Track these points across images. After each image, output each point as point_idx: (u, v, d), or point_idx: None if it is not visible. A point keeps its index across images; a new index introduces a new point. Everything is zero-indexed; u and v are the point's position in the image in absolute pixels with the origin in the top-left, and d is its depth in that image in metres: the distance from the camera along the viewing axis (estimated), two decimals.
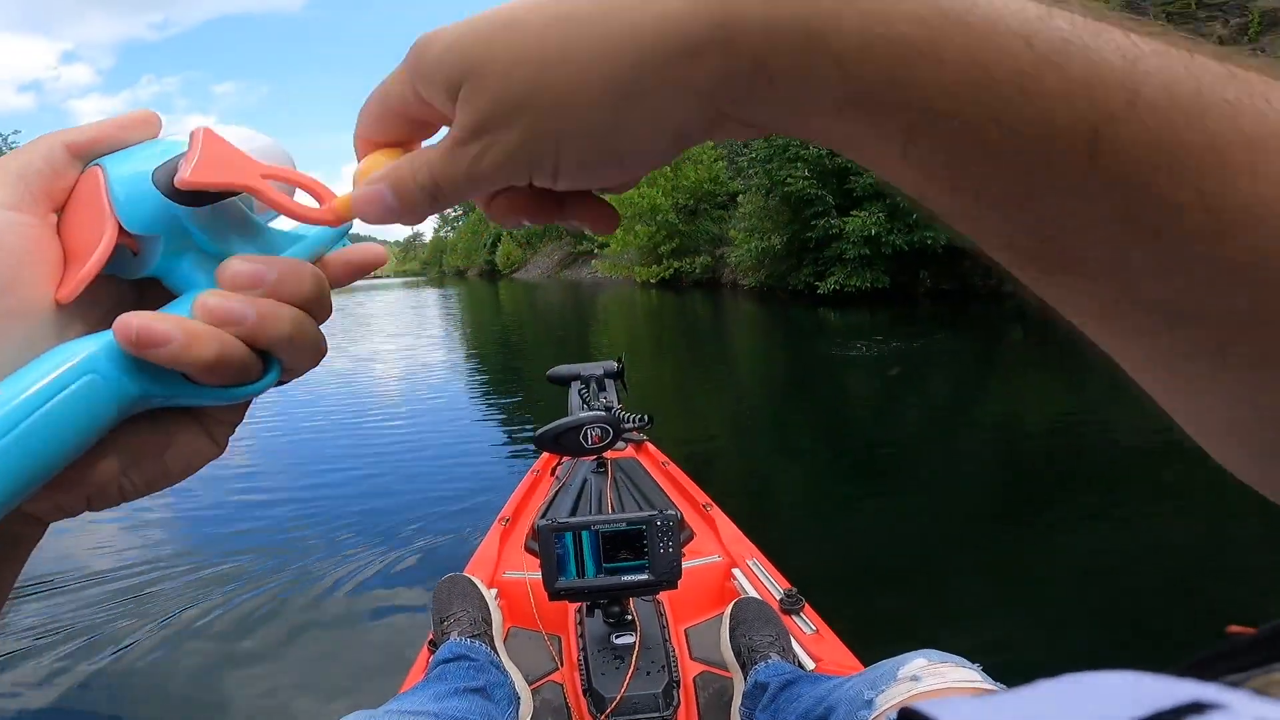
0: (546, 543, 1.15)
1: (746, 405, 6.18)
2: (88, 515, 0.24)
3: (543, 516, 1.54)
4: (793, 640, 1.34)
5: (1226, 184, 0.16)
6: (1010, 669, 0.65)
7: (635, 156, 0.21)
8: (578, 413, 1.33)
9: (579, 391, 1.67)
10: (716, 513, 1.95)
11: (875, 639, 1.39)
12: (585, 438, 1.25)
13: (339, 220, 0.25)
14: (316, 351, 0.26)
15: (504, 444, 4.98)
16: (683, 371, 8.04)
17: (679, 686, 1.23)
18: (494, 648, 1.31)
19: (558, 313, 18.04)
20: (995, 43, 0.17)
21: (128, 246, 0.24)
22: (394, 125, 0.25)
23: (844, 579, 2.62)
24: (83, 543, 3.19)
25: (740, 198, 18.05)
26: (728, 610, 1.39)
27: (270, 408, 5.83)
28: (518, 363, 9.33)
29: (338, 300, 0.28)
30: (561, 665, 1.42)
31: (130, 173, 0.24)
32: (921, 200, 0.20)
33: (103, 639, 2.40)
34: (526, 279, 37.56)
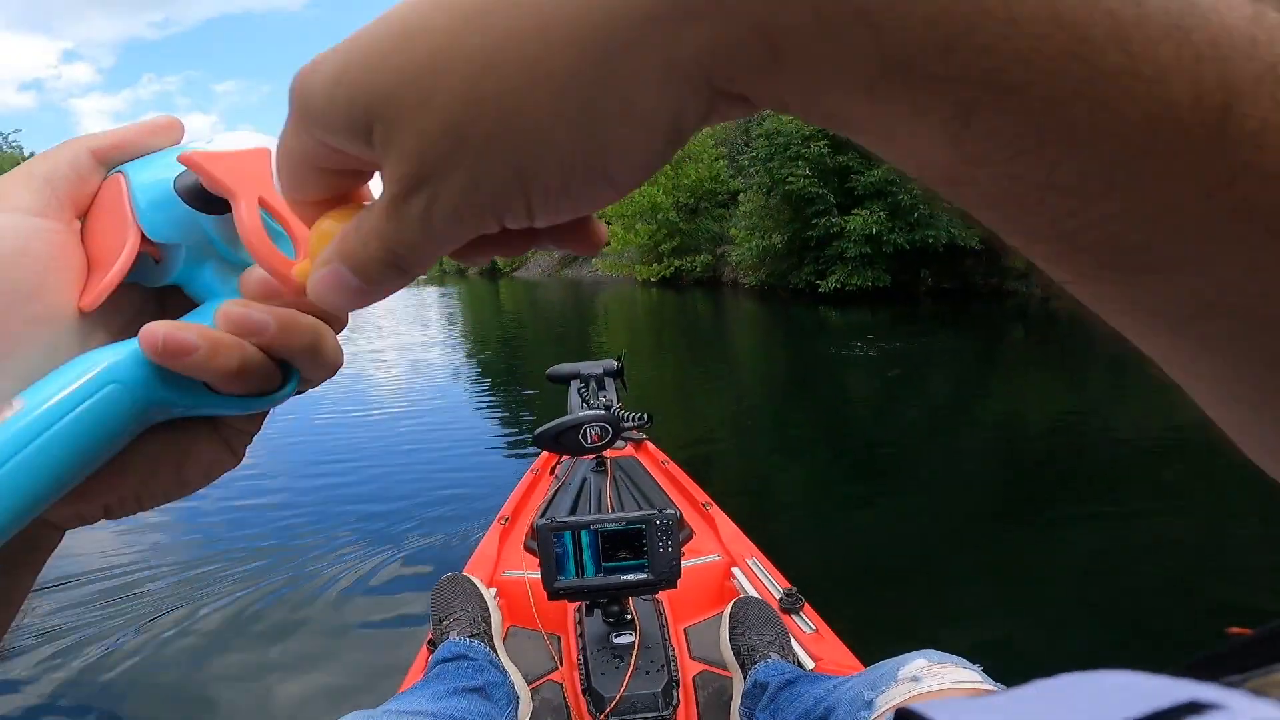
0: (546, 542, 1.15)
1: (746, 404, 6.18)
2: None
3: (542, 515, 1.54)
4: (792, 640, 1.34)
5: None
6: (1011, 669, 0.65)
7: (625, 168, 0.17)
8: (577, 411, 1.33)
9: (578, 390, 1.67)
10: (716, 512, 1.95)
11: (875, 639, 1.39)
12: (585, 436, 1.25)
13: (297, 294, 0.21)
14: (334, 362, 0.25)
15: (503, 443, 4.98)
16: (683, 370, 8.04)
17: (678, 686, 1.23)
18: (493, 647, 1.31)
19: (558, 311, 18.03)
20: None
21: (150, 254, 0.24)
22: (321, 181, 0.20)
23: (844, 578, 2.62)
24: (79, 540, 3.18)
25: (741, 196, 18.05)
26: (727, 609, 1.39)
27: None
28: (517, 361, 9.33)
29: None
30: (561, 665, 1.42)
31: (153, 180, 0.23)
32: (951, 189, 0.16)
33: (100, 638, 2.40)
34: (527, 277, 37.55)
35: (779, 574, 1.64)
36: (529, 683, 1.35)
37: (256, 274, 0.23)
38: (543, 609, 1.51)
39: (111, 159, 0.24)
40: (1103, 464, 3.93)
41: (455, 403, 6.51)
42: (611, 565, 1.16)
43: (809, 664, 1.32)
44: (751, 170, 16.31)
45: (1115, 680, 0.15)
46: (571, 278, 32.75)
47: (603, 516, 1.16)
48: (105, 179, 0.24)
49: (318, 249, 0.20)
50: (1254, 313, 0.15)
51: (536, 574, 1.20)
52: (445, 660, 1.19)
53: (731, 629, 1.33)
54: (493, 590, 1.54)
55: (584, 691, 1.22)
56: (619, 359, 1.76)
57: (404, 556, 2.94)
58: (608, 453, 1.78)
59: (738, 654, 1.28)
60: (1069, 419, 4.84)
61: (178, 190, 0.23)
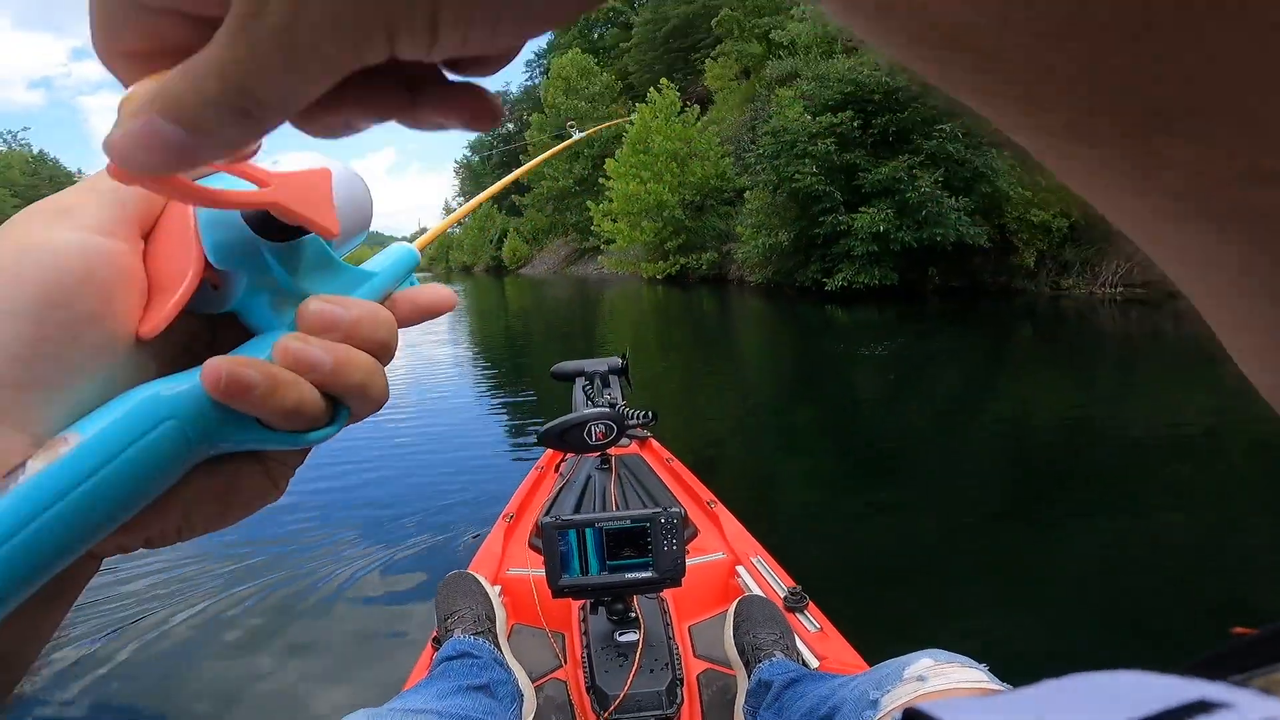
0: (550, 540, 1.15)
1: (751, 402, 6.17)
2: None
3: (547, 513, 1.54)
4: (797, 638, 1.34)
5: None
6: (1016, 669, 0.65)
7: None
8: (582, 409, 1.33)
9: (583, 388, 1.68)
10: (721, 510, 1.94)
11: (880, 638, 1.39)
12: (589, 434, 1.25)
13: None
14: (382, 399, 0.25)
15: (508, 440, 4.99)
16: (688, 368, 8.04)
17: (682, 684, 1.23)
18: (497, 645, 1.31)
19: (564, 308, 18.06)
20: None
21: (209, 281, 0.23)
22: (142, 24, 0.15)
23: (849, 577, 2.62)
24: None
25: (747, 194, 18.00)
26: (731, 608, 1.38)
27: None
28: (522, 359, 9.35)
29: None
30: (565, 663, 1.42)
31: None
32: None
33: (106, 636, 2.41)
34: (533, 275, 37.65)
35: (783, 572, 1.63)
36: (533, 680, 1.35)
37: (314, 306, 0.23)
38: (547, 607, 1.52)
39: None
40: (1109, 463, 3.91)
41: (460, 400, 6.52)
42: (616, 563, 1.16)
43: (813, 663, 1.31)
44: (758, 168, 16.27)
45: (1123, 680, 0.14)
46: (577, 275, 32.80)
47: (607, 515, 1.16)
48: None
49: (129, 111, 0.15)
50: None
51: (541, 572, 1.20)
52: (450, 658, 1.19)
53: (736, 627, 1.32)
54: (497, 588, 1.55)
55: (588, 689, 1.22)
56: (624, 357, 1.77)
57: (409, 554, 2.95)
58: (612, 450, 1.78)
59: (742, 652, 1.27)
60: (1076, 418, 4.82)
61: (243, 214, 0.22)
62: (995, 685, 0.81)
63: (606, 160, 24.72)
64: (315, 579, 2.75)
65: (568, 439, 1.26)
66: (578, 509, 1.73)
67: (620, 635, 1.29)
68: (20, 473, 0.19)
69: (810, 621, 1.44)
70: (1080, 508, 3.22)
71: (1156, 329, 8.91)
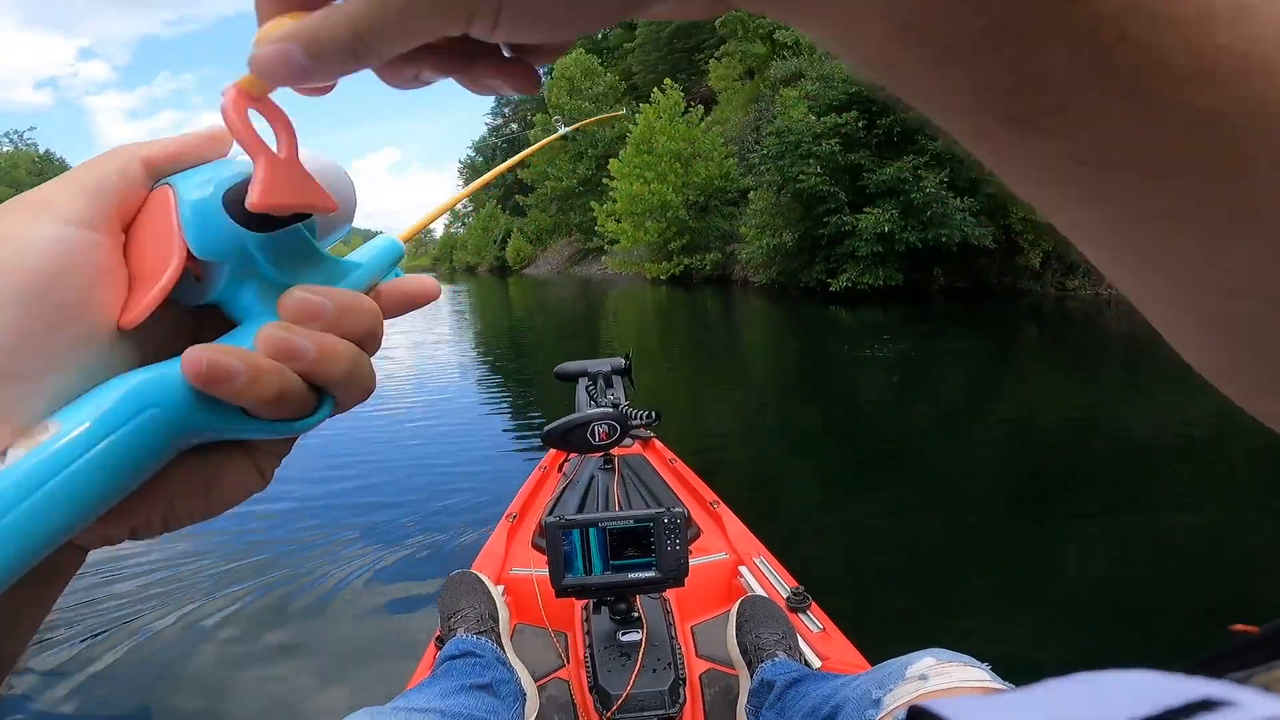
0: (554, 540, 1.16)
1: (755, 403, 6.17)
2: None
3: (550, 513, 1.54)
4: (799, 638, 1.34)
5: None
6: (1019, 668, 0.65)
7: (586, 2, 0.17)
8: (585, 409, 1.33)
9: (586, 388, 1.68)
10: (724, 510, 1.94)
11: (882, 638, 1.39)
12: (593, 434, 1.25)
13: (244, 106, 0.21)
14: (368, 389, 0.25)
15: (511, 440, 4.99)
16: (691, 368, 8.04)
17: (685, 684, 1.23)
18: (500, 644, 1.31)
19: (567, 309, 18.06)
20: None
21: (192, 271, 0.23)
22: None
23: (851, 577, 2.61)
24: None
25: (751, 194, 17.99)
26: (734, 608, 1.38)
27: None
28: (526, 359, 9.36)
29: None
30: (568, 662, 1.43)
31: (200, 194, 0.23)
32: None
33: (105, 635, 2.42)
34: (537, 275, 37.66)
35: (786, 573, 1.63)
36: (536, 680, 1.36)
37: (296, 296, 0.23)
38: (550, 606, 1.52)
39: (163, 170, 0.23)
40: (1113, 463, 3.90)
41: (463, 400, 6.53)
42: (619, 563, 1.17)
43: (816, 663, 1.31)
44: (762, 168, 16.26)
45: (1127, 678, 0.14)
46: (581, 275, 32.81)
47: (610, 514, 1.17)
48: (152, 190, 0.24)
49: (266, 39, 0.19)
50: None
51: (544, 571, 1.21)
52: (453, 657, 1.20)
53: (738, 627, 1.32)
54: (500, 588, 1.55)
55: (591, 689, 1.23)
56: (627, 357, 1.77)
57: (411, 554, 2.95)
58: (615, 451, 1.77)
59: (744, 652, 1.27)
60: (1080, 419, 4.81)
61: (225, 206, 0.22)
62: (997, 684, 0.81)
63: (610, 160, 24.75)
64: (316, 579, 2.75)
65: (571, 439, 1.26)
66: (581, 509, 1.73)
67: (623, 635, 1.29)
68: (0, 460, 0.19)
69: (813, 622, 1.44)
70: (1083, 508, 3.21)
71: None
